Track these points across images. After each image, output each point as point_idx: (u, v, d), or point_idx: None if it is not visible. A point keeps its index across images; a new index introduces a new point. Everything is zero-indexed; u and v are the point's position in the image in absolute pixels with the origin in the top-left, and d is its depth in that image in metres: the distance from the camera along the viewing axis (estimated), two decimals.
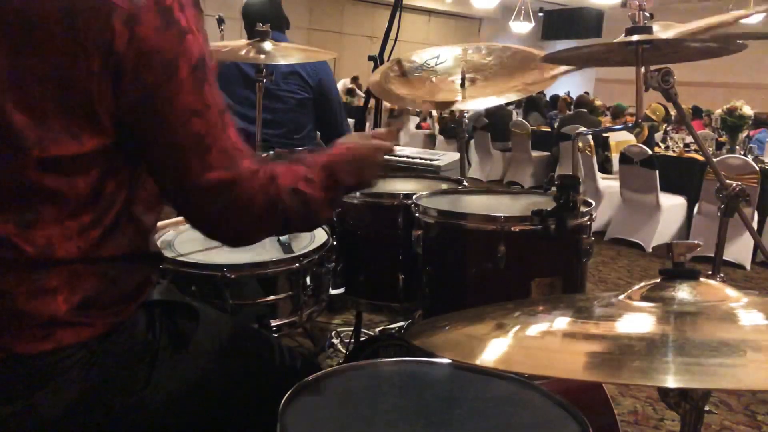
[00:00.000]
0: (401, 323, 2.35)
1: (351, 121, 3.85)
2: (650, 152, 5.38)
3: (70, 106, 0.88)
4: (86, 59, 0.87)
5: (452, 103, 1.85)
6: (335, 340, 2.82)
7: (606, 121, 8.48)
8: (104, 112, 0.90)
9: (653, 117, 7.12)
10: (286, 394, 0.93)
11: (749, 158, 5.14)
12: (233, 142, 0.97)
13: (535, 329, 0.81)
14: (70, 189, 0.91)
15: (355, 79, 12.42)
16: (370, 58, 2.21)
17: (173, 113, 0.92)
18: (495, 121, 8.48)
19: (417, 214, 1.54)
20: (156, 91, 0.90)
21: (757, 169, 4.88)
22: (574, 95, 11.27)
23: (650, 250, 5.45)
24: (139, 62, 0.88)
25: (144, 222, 1.04)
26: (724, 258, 1.49)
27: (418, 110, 9.90)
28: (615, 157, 6.33)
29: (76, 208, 0.92)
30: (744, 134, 5.84)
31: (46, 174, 0.90)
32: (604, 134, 6.68)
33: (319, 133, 2.93)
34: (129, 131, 0.93)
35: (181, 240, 1.61)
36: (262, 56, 2.05)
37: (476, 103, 1.82)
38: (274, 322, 1.47)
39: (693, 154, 5.75)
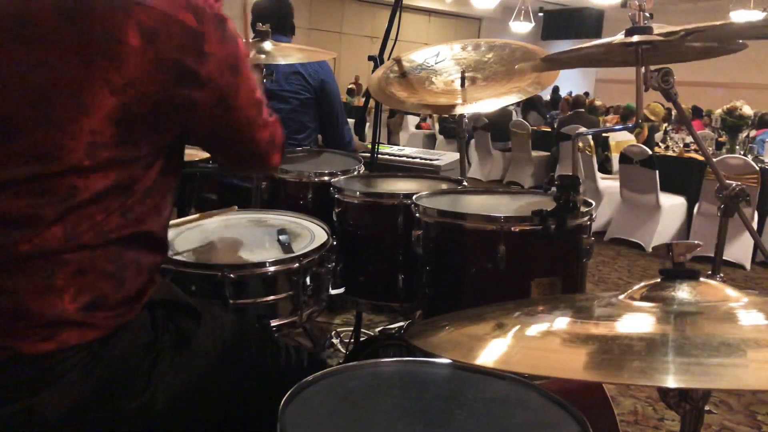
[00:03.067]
0: (401, 323, 2.35)
1: (351, 121, 3.85)
2: (650, 152, 5.38)
3: (128, 119, 0.95)
4: (163, 74, 0.95)
5: (453, 107, 1.85)
6: (335, 340, 2.82)
7: (606, 121, 8.49)
8: (163, 124, 1.00)
9: (652, 117, 7.12)
10: (286, 394, 0.93)
11: (749, 158, 5.14)
12: (260, 100, 1.13)
13: (535, 329, 0.81)
14: (78, 191, 0.93)
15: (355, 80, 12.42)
16: (370, 58, 2.22)
17: (243, 101, 1.08)
18: (495, 121, 8.48)
19: (417, 214, 1.54)
20: (228, 92, 1.04)
21: (757, 169, 4.89)
22: (560, 93, 11.28)
23: (650, 250, 5.45)
24: (212, 72, 0.99)
25: (155, 222, 1.04)
26: (724, 258, 1.49)
27: None
28: (615, 157, 6.34)
29: (84, 209, 0.93)
30: (745, 134, 5.84)
31: (72, 180, 0.92)
32: (604, 134, 6.68)
33: (320, 135, 2.93)
34: (193, 128, 1.07)
35: (181, 240, 1.61)
36: (262, 56, 2.05)
37: (476, 106, 1.82)
38: (274, 322, 1.47)
39: (693, 154, 5.75)
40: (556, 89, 13.53)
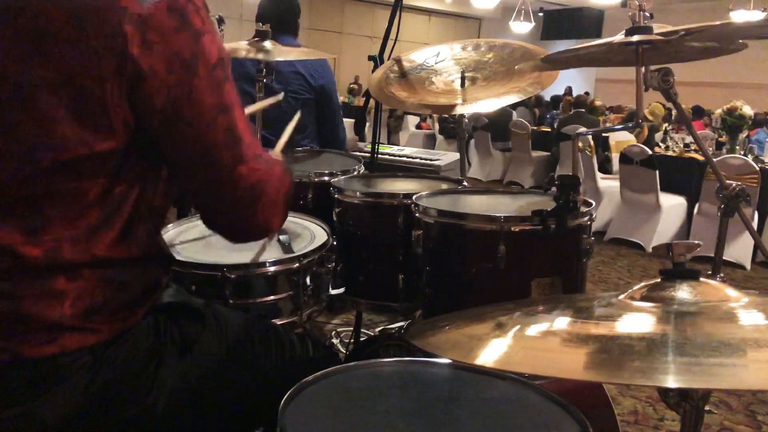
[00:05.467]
0: (401, 323, 2.35)
1: (351, 121, 3.85)
2: (650, 152, 5.38)
3: (81, 113, 0.88)
4: (98, 65, 0.86)
5: (453, 107, 1.85)
6: (335, 340, 2.82)
7: (606, 121, 8.48)
8: (117, 117, 0.89)
9: (651, 118, 7.12)
10: (286, 394, 0.93)
11: (749, 158, 5.14)
12: (252, 136, 1.01)
13: (535, 329, 0.81)
14: (78, 193, 0.91)
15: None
16: (370, 58, 2.22)
17: (200, 113, 0.93)
18: (495, 121, 8.48)
19: (417, 214, 1.54)
20: (178, 92, 0.90)
21: (757, 169, 4.89)
22: (573, 95, 11.27)
23: (650, 250, 5.45)
24: (157, 65, 0.88)
25: (154, 225, 1.04)
26: (724, 258, 1.49)
27: None
28: (615, 157, 6.33)
29: (84, 211, 0.92)
30: (744, 134, 5.84)
31: (55, 180, 0.89)
32: (604, 134, 6.68)
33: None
34: (151, 134, 0.93)
35: (181, 240, 1.61)
36: (262, 56, 2.05)
37: (476, 106, 1.82)
38: (274, 322, 1.47)
39: (693, 154, 5.75)
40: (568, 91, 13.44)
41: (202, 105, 0.92)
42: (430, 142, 10.43)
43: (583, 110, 7.78)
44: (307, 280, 1.51)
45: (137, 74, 0.87)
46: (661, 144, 6.60)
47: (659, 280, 0.84)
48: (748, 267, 5.11)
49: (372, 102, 2.22)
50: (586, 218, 1.45)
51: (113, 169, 0.93)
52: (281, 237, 1.60)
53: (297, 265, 1.47)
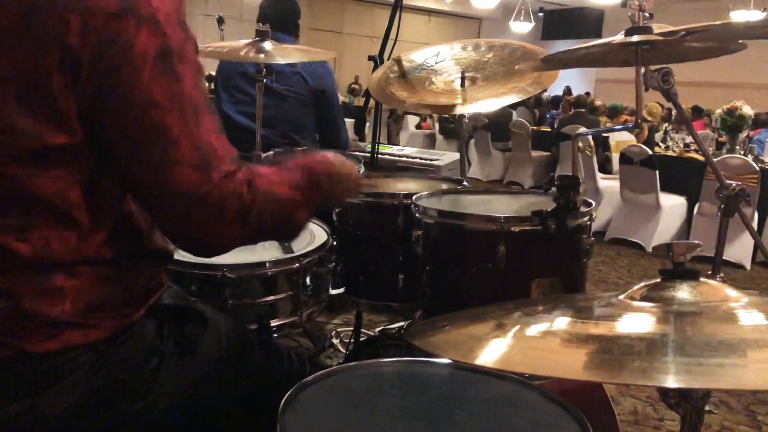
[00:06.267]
0: (401, 323, 2.35)
1: (351, 121, 3.85)
2: (650, 152, 5.38)
3: (32, 105, 0.87)
4: (44, 56, 0.85)
5: (453, 107, 1.85)
6: (335, 340, 2.82)
7: (606, 121, 8.48)
8: (68, 109, 0.88)
9: (649, 118, 7.12)
10: (286, 394, 0.93)
11: (749, 158, 5.14)
12: (208, 141, 0.93)
13: (535, 329, 0.81)
14: (55, 189, 0.90)
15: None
16: (370, 58, 2.22)
17: (128, 103, 0.88)
18: (495, 121, 8.48)
19: (417, 215, 1.54)
20: (107, 80, 0.87)
21: (757, 169, 4.89)
22: (571, 94, 11.27)
23: (650, 250, 5.46)
24: (93, 52, 0.85)
25: (147, 223, 1.04)
26: (724, 258, 1.49)
27: None
28: (615, 157, 6.33)
29: (68, 208, 0.92)
30: (744, 134, 5.84)
31: (24, 175, 0.88)
32: (604, 134, 6.68)
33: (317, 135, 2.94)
34: (93, 127, 0.90)
35: None
36: (262, 56, 2.05)
37: (476, 106, 1.82)
38: (274, 322, 1.47)
39: (693, 154, 5.75)
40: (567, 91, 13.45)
41: (131, 96, 0.88)
42: (430, 142, 10.43)
43: (583, 110, 7.78)
44: (307, 280, 1.51)
45: (76, 63, 0.86)
46: (661, 144, 6.60)
47: (659, 280, 0.84)
48: (748, 267, 5.11)
49: (372, 102, 2.22)
50: (586, 218, 1.45)
51: (88, 168, 0.92)
52: None
53: (297, 265, 1.47)
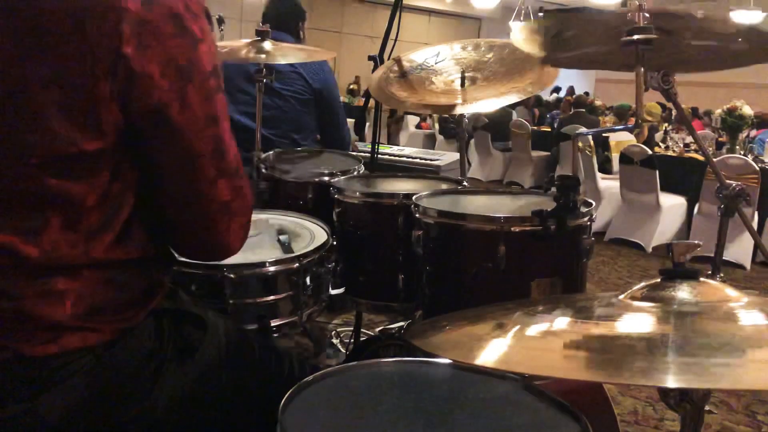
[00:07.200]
0: (401, 323, 2.35)
1: (351, 121, 3.85)
2: (650, 152, 5.38)
3: (71, 111, 0.87)
4: (93, 63, 0.86)
5: (453, 107, 1.85)
6: (335, 340, 2.82)
7: (606, 121, 8.48)
8: (107, 117, 0.89)
9: (648, 118, 7.12)
10: (286, 394, 0.93)
11: (749, 158, 5.14)
12: (237, 151, 1.01)
13: (535, 329, 0.81)
14: (75, 193, 0.91)
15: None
16: (370, 58, 2.21)
17: (189, 121, 0.93)
18: (495, 121, 8.48)
19: (417, 215, 1.54)
20: (170, 96, 0.90)
21: (757, 169, 4.89)
22: (566, 94, 11.27)
23: (650, 250, 5.46)
24: (150, 66, 0.88)
25: (153, 226, 1.03)
26: (724, 258, 1.48)
27: None
28: (615, 157, 6.33)
29: (82, 212, 0.92)
30: (745, 134, 5.84)
31: (49, 178, 0.89)
32: (604, 134, 6.68)
33: (318, 135, 2.94)
34: (137, 136, 0.93)
35: None
36: (262, 56, 2.05)
37: (476, 106, 1.82)
38: (274, 322, 1.47)
39: (693, 154, 5.75)
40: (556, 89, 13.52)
41: (192, 113, 0.93)
42: (430, 142, 10.44)
43: (583, 110, 7.79)
44: (307, 280, 1.51)
45: (129, 75, 0.87)
46: (661, 144, 6.60)
47: (659, 280, 0.84)
48: (748, 267, 5.11)
49: (372, 102, 2.22)
50: (586, 218, 1.45)
51: (109, 172, 0.93)
52: (281, 237, 1.60)
53: (297, 265, 1.47)
